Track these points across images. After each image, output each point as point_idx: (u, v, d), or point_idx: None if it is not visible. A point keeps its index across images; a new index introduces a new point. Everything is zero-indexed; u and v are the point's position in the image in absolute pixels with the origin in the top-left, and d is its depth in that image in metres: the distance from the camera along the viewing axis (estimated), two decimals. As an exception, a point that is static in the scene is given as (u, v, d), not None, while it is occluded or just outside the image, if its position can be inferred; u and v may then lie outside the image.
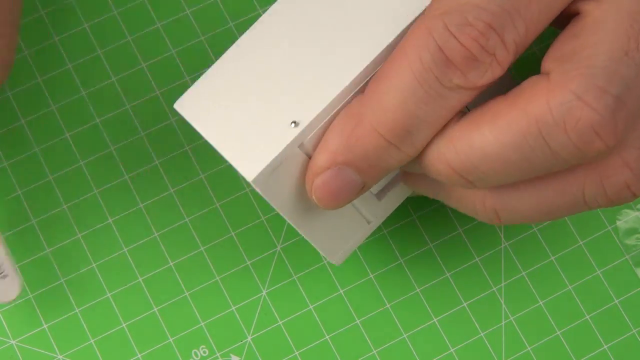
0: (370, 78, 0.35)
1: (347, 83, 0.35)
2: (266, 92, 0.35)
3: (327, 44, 0.35)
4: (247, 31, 0.36)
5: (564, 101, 0.33)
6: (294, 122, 0.35)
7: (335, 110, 0.35)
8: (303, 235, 0.38)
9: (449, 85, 0.34)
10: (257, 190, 0.35)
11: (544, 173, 0.35)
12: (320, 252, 0.39)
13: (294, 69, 0.35)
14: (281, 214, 0.37)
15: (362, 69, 0.35)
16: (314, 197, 0.36)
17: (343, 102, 0.35)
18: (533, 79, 0.34)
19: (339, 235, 0.38)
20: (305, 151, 0.36)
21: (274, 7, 0.36)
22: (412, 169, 0.37)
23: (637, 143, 0.35)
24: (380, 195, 0.39)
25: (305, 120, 0.35)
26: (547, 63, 0.34)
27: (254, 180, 0.35)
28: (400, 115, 0.34)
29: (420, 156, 0.36)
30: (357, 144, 0.35)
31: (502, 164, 0.34)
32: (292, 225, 0.37)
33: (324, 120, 0.35)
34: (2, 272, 0.41)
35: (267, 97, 0.35)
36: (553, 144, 0.33)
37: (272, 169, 0.35)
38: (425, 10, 0.35)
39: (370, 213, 0.39)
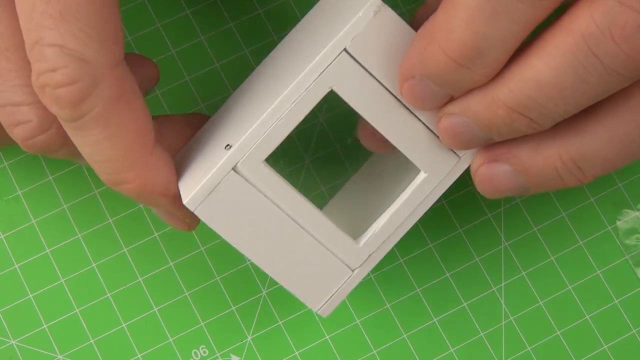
0: None
1: (274, 105, 0.34)
2: (218, 134, 0.37)
3: (272, 78, 0.36)
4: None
5: (607, 9, 0.31)
6: (228, 145, 0.35)
7: (267, 131, 0.35)
8: (267, 273, 0.37)
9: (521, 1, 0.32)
10: (199, 217, 0.36)
11: (605, 95, 0.33)
12: (297, 296, 0.37)
13: (242, 106, 0.37)
14: (231, 243, 0.36)
15: (285, 92, 0.34)
16: (404, 96, 0.35)
17: (274, 121, 0.35)
18: (573, 2, 0.33)
19: (317, 280, 0.37)
20: (246, 177, 0.35)
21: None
22: (474, 138, 0.36)
23: None
24: (358, 238, 0.37)
25: (236, 143, 0.35)
26: None
27: (187, 202, 0.35)
28: (467, 35, 0.32)
29: (476, 110, 0.34)
30: (430, 62, 0.33)
31: (558, 90, 0.33)
32: (252, 261, 0.37)
33: (258, 141, 0.35)
34: None
35: (218, 138, 0.37)
36: (604, 57, 0.32)
37: (208, 192, 0.35)
38: None
39: (349, 258, 0.37)
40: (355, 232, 0.38)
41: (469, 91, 0.34)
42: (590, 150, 0.35)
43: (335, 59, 0.34)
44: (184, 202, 0.35)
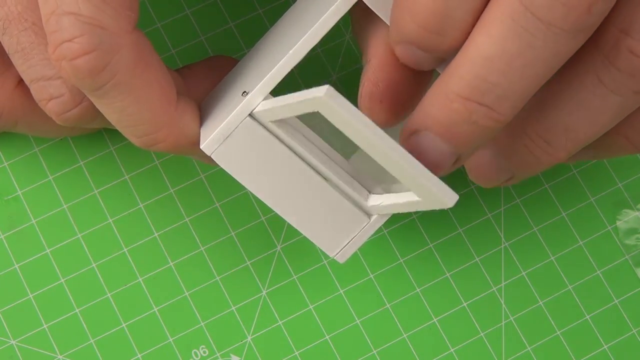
0: None
1: (289, 53, 0.35)
2: (238, 82, 0.37)
3: (285, 35, 0.37)
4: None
5: None
6: (244, 92, 0.35)
7: (281, 78, 0.35)
8: (285, 218, 0.37)
9: None
10: (216, 161, 0.36)
11: (557, 60, 0.32)
12: (313, 241, 0.37)
13: (262, 56, 0.37)
14: (248, 188, 0.36)
15: (300, 41, 0.35)
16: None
17: (287, 70, 0.35)
18: None
19: (334, 227, 0.37)
20: (262, 123, 0.36)
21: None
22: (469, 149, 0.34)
23: (625, 9, 0.33)
24: (377, 189, 0.38)
25: (252, 89, 0.35)
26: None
27: (204, 147, 0.35)
28: (432, 3, 0.32)
29: (434, 115, 0.33)
30: (404, 30, 0.33)
31: (507, 62, 0.31)
32: (270, 206, 0.37)
33: (271, 88, 0.35)
34: None
35: (237, 86, 0.37)
36: (542, 14, 0.31)
37: (224, 137, 0.35)
38: None
39: (367, 205, 0.37)
40: (376, 179, 0.38)
41: (424, 98, 0.33)
42: (553, 122, 0.34)
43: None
44: (201, 146, 0.35)
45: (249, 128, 0.35)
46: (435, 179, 0.32)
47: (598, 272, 0.44)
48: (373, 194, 0.37)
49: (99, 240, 0.44)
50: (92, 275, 0.43)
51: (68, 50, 0.33)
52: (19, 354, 0.42)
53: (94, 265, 0.43)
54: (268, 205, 0.36)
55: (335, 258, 0.37)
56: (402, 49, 0.34)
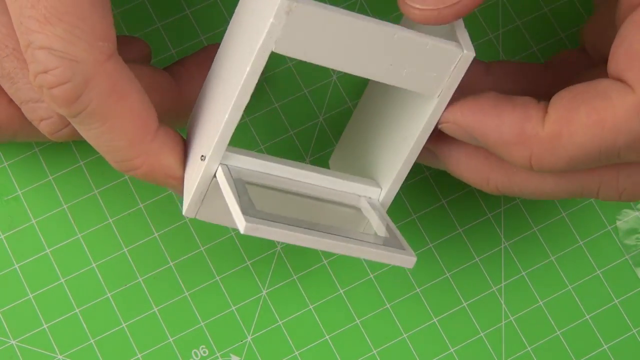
0: None
1: (229, 108, 0.35)
2: (197, 137, 0.38)
3: (226, 74, 0.37)
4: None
5: None
6: (202, 156, 0.36)
7: (232, 130, 0.35)
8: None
9: (624, 159, 0.35)
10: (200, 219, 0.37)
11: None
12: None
13: (208, 106, 0.38)
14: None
15: (237, 92, 0.35)
16: (440, 125, 0.37)
17: (231, 129, 0.36)
18: (607, 86, 0.34)
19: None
20: (228, 174, 0.37)
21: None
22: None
23: None
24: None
25: (208, 154, 0.36)
26: (620, 63, 0.34)
27: (185, 213, 0.37)
28: (562, 166, 0.35)
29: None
30: (510, 155, 0.35)
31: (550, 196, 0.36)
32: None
33: (226, 143, 0.36)
34: None
35: (196, 143, 0.38)
36: (626, 153, 0.34)
37: (200, 201, 0.37)
38: (626, 70, 0.34)
39: None
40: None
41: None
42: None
43: (266, 59, 0.34)
44: (183, 213, 0.37)
45: (216, 185, 0.36)
46: None
47: (598, 272, 0.44)
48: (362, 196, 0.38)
49: (99, 240, 0.44)
50: (92, 275, 0.43)
51: (45, 81, 0.34)
52: (19, 354, 0.42)
53: (94, 265, 0.43)
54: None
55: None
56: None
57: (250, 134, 0.45)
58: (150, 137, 0.36)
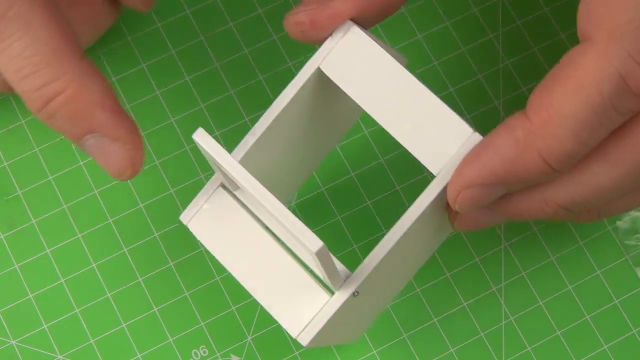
0: (536, 97, 0.34)
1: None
2: None
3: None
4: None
5: None
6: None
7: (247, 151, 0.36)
8: (252, 295, 0.37)
9: (622, 111, 0.33)
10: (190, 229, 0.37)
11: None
12: (278, 320, 0.36)
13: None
14: (217, 257, 0.37)
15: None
16: (456, 205, 0.35)
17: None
18: (570, 55, 0.34)
19: (296, 304, 0.36)
20: (233, 192, 0.37)
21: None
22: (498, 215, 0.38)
23: None
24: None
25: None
26: (581, 23, 0.34)
27: (181, 217, 0.37)
28: (571, 145, 0.34)
29: (520, 207, 0.36)
30: (522, 169, 0.34)
31: (614, 193, 0.35)
32: (238, 281, 0.37)
33: (239, 160, 0.36)
34: None
35: None
36: None
37: (198, 206, 0.37)
38: (585, 28, 0.34)
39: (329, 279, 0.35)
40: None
41: (514, 196, 0.36)
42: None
43: (310, 76, 0.35)
44: (180, 217, 0.37)
45: (220, 197, 0.36)
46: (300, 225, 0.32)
47: (598, 272, 0.44)
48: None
49: (98, 241, 0.44)
50: (92, 275, 0.43)
51: None
52: (19, 354, 0.42)
53: (93, 265, 0.43)
54: (237, 280, 0.37)
55: (298, 340, 0.36)
56: (480, 191, 0.35)
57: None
58: (79, 55, 0.34)
